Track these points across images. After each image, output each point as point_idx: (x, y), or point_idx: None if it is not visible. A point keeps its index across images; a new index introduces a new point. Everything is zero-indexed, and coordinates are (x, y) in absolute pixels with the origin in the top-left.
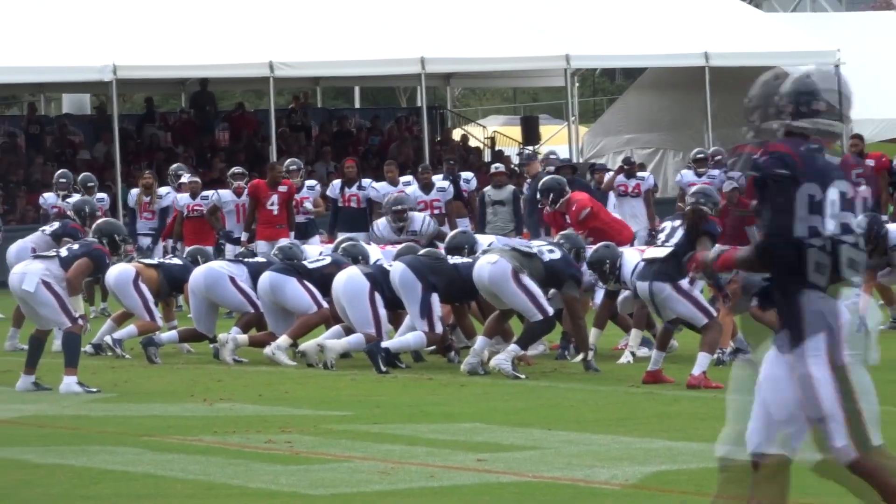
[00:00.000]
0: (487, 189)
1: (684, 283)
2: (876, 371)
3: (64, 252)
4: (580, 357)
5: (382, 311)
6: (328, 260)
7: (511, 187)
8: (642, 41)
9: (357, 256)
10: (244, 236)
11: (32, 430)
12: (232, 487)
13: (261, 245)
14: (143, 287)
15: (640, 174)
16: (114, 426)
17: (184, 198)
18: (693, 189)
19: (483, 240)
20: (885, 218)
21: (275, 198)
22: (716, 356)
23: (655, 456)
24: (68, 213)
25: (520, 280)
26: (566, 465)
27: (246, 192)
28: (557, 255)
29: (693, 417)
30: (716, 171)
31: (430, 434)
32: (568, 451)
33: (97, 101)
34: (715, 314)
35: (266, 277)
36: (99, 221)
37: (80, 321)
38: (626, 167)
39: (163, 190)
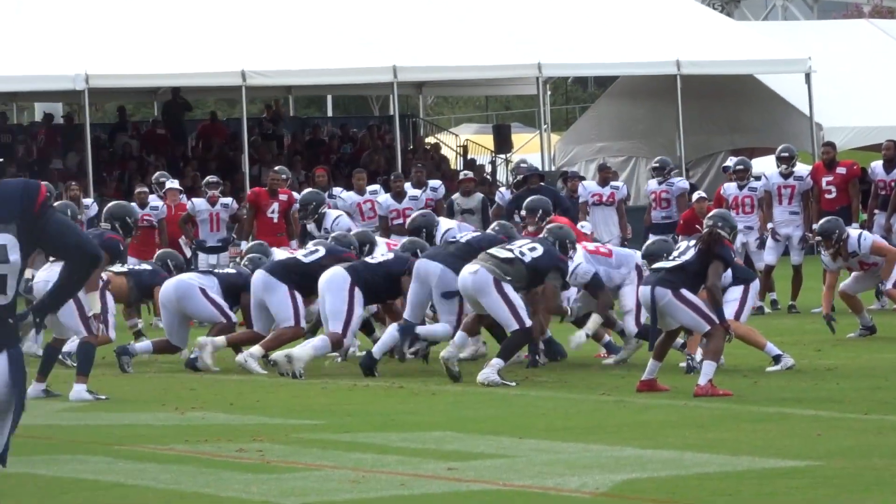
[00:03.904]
0: (456, 196)
1: (686, 291)
2: (846, 379)
3: None
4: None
5: (358, 311)
6: (322, 252)
7: (479, 195)
8: (614, 49)
9: (349, 245)
10: (244, 245)
11: None
12: (203, 496)
13: None
14: (109, 297)
15: (613, 183)
16: (84, 435)
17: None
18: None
19: (443, 224)
20: (855, 225)
21: (275, 206)
22: (687, 363)
23: (626, 464)
24: None
25: (502, 289)
26: (536, 473)
27: (243, 200)
28: (539, 251)
29: (663, 425)
30: (674, 180)
31: (401, 443)
32: (538, 459)
33: (68, 110)
34: (717, 321)
35: (260, 276)
36: (109, 205)
37: (93, 322)
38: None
39: (87, 200)
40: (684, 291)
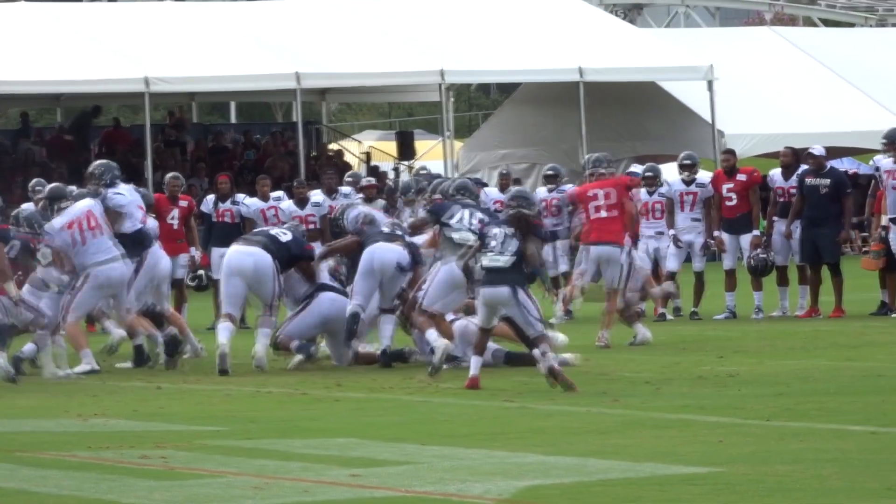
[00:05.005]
0: None
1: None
2: (748, 385)
3: None
4: None
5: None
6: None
7: (381, 201)
8: (517, 56)
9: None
10: None
11: None
12: (106, 503)
13: None
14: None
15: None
16: None
17: None
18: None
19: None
20: (756, 233)
21: (175, 212)
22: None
23: (528, 470)
24: None
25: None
26: (439, 479)
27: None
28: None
29: (566, 432)
30: (565, 187)
31: (304, 449)
32: (441, 465)
33: None
34: (544, 330)
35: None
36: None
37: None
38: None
39: None
40: (525, 290)
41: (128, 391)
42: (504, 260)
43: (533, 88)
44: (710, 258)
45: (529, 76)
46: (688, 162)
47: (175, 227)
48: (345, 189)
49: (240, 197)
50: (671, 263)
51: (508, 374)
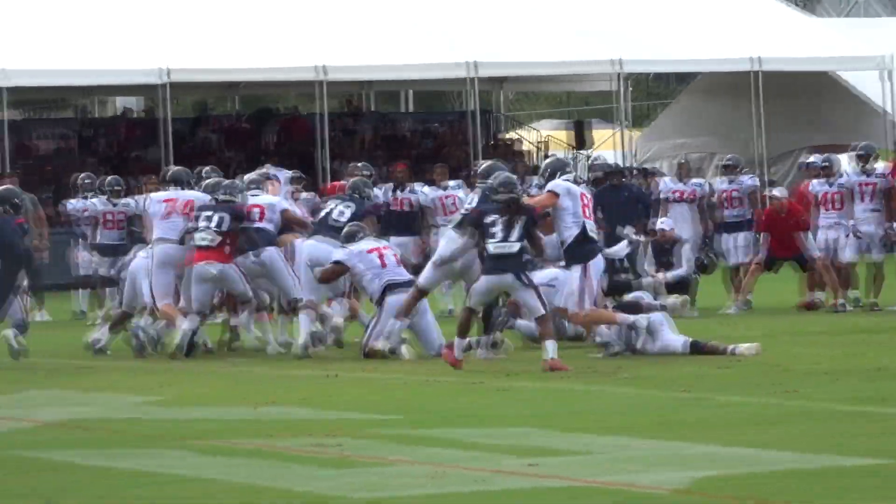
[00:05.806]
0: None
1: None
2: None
3: None
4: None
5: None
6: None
7: None
8: (694, 46)
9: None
10: None
11: (79, 433)
12: (278, 491)
13: None
14: None
15: (694, 180)
16: (160, 429)
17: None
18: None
19: None
20: None
21: None
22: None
23: (703, 461)
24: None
25: None
26: (616, 469)
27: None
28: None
29: (739, 422)
30: (744, 178)
31: (480, 438)
32: (617, 455)
33: (148, 104)
34: (547, 310)
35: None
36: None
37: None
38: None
39: None
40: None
41: (301, 380)
42: (510, 247)
43: (709, 78)
44: (889, 249)
45: (706, 66)
46: (862, 153)
47: None
48: (536, 180)
49: (417, 185)
50: (848, 254)
51: (683, 363)
